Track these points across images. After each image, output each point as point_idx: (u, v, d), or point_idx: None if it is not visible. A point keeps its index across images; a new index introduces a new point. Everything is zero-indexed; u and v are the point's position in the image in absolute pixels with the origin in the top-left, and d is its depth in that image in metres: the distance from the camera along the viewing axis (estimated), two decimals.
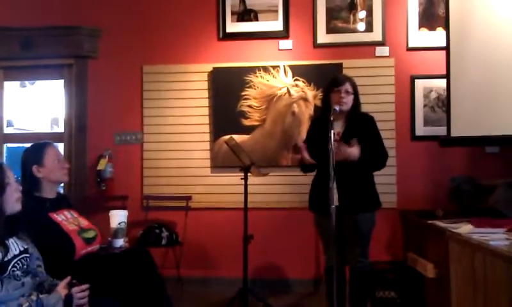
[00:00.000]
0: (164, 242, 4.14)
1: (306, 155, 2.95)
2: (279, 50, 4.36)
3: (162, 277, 2.62)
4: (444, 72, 3.84)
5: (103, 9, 4.51)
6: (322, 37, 4.33)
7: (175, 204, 4.31)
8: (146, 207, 4.35)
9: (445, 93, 3.90)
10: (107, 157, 4.36)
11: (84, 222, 2.64)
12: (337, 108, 2.97)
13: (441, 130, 4.03)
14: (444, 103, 4.10)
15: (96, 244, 2.61)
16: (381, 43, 4.28)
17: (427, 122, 4.26)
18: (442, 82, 3.97)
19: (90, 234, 2.58)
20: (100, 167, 4.33)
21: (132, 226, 4.03)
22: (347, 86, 3.04)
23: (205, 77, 4.41)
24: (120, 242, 2.64)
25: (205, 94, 4.41)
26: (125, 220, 2.70)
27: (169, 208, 4.31)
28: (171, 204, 4.32)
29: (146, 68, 4.46)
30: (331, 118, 2.82)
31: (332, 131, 2.76)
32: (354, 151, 2.90)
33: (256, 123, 4.31)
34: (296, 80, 4.28)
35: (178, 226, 4.32)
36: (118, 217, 2.70)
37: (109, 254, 2.59)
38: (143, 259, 2.60)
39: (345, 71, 4.14)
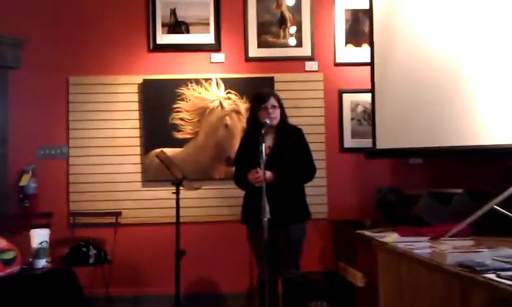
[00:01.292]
0: (91, 260, 3.94)
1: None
2: (211, 62, 4.34)
3: (88, 298, 2.49)
4: (369, 87, 3.92)
5: (26, 18, 4.29)
6: (254, 51, 4.35)
7: (104, 220, 4.17)
8: (72, 224, 4.19)
9: (371, 107, 3.98)
10: (30, 172, 4.16)
11: (2, 242, 2.53)
12: (268, 121, 3.01)
13: (367, 142, 4.11)
14: (370, 116, 4.18)
15: (16, 265, 2.54)
16: (310, 58, 4.35)
17: (354, 134, 4.35)
18: (368, 96, 4.04)
19: (9, 255, 2.50)
20: (22, 183, 4.12)
21: (57, 244, 3.91)
22: (273, 101, 3.08)
23: (135, 88, 4.31)
24: (42, 263, 2.61)
25: (136, 106, 4.31)
26: (47, 240, 2.64)
27: (98, 224, 4.16)
28: (99, 221, 4.17)
29: (72, 80, 4.30)
30: (263, 131, 2.85)
31: (263, 145, 2.79)
32: (268, 175, 2.90)
33: (189, 136, 4.26)
34: (228, 93, 4.27)
35: (107, 243, 4.17)
36: (39, 237, 2.62)
37: (30, 276, 2.52)
38: (67, 279, 2.49)
39: (277, 85, 4.22)
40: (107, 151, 4.27)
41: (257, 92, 3.21)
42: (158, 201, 4.23)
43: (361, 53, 4.32)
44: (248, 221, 3.12)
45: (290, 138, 3.13)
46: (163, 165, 3.65)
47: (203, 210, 4.26)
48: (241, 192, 3.25)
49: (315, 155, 3.27)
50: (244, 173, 3.07)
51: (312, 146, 3.27)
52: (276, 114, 3.08)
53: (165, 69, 4.33)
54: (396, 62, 3.72)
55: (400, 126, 3.68)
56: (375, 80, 3.87)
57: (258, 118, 3.10)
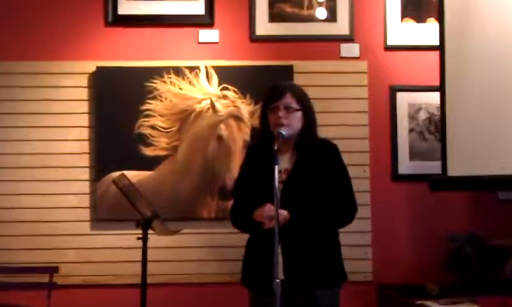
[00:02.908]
0: None
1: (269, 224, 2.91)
2: (199, 43, 4.35)
3: None
4: (437, 82, 3.91)
5: None
6: (263, 27, 4.35)
7: (32, 279, 4.10)
8: None
9: (439, 113, 3.96)
10: None
11: None
12: (283, 131, 3.00)
13: (434, 167, 4.08)
14: (438, 127, 4.14)
15: None
16: (349, 39, 4.34)
17: (414, 154, 4.33)
18: (435, 97, 4.02)
19: None
20: None
21: None
22: (288, 99, 3.07)
23: (83, 81, 4.32)
24: None
25: (84, 107, 4.32)
26: None
27: (24, 285, 4.10)
28: (26, 280, 4.11)
29: None
30: (275, 147, 2.84)
31: (277, 168, 2.77)
32: (284, 214, 2.93)
33: (163, 153, 4.26)
34: (224, 88, 4.27)
35: None
36: None
37: None
38: None
39: (297, 78, 4.16)
40: (39, 175, 4.26)
41: (271, 86, 3.20)
42: (114, 252, 4.22)
43: (426, 32, 4.33)
44: (253, 283, 3.11)
45: (319, 158, 3.11)
46: (124, 196, 3.61)
47: (184, 266, 4.24)
48: (242, 240, 3.23)
49: (355, 185, 3.22)
50: (248, 210, 3.06)
51: (350, 172, 3.21)
52: (291, 119, 3.06)
53: (130, 52, 4.33)
54: (480, 45, 3.72)
55: (485, 142, 3.69)
56: (446, 73, 3.87)
57: (269, 126, 3.11)
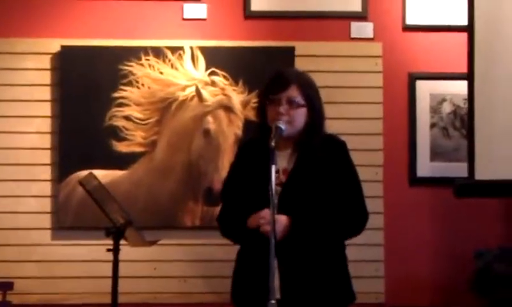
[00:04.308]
0: None
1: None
2: (183, 19, 4.36)
3: None
4: (465, 69, 3.91)
5: None
6: (260, 1, 4.37)
7: None
8: None
9: (467, 105, 3.95)
10: None
11: None
12: (282, 126, 2.95)
13: (459, 169, 4.09)
14: (465, 122, 4.12)
15: None
16: (361, 16, 4.36)
17: (436, 154, 4.34)
18: (462, 86, 4.05)
19: None
20: None
21: None
22: (293, 92, 3.03)
23: (45, 62, 4.32)
24: None
25: (46, 94, 4.32)
26: None
27: None
28: None
29: None
30: (272, 144, 2.82)
31: (274, 167, 2.75)
32: (282, 221, 2.91)
33: (139, 150, 4.26)
34: (212, 73, 4.26)
35: None
36: None
37: None
38: None
39: (299, 62, 4.20)
40: None
41: (274, 73, 3.14)
42: (80, 265, 4.20)
43: (451, 9, 4.34)
44: (244, 303, 3.06)
45: (324, 157, 3.05)
46: (92, 200, 3.57)
47: (162, 283, 4.24)
48: (232, 253, 3.15)
49: (366, 189, 3.13)
50: (239, 217, 3.02)
51: (360, 173, 3.13)
52: (295, 116, 3.02)
53: (100, 29, 4.34)
54: None
55: None
56: (475, 59, 3.87)
57: (267, 119, 3.06)
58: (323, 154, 3.05)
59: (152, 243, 3.73)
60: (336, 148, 3.10)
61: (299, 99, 3.01)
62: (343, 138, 3.15)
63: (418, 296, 4.18)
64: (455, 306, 3.99)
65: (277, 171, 2.86)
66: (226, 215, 3.17)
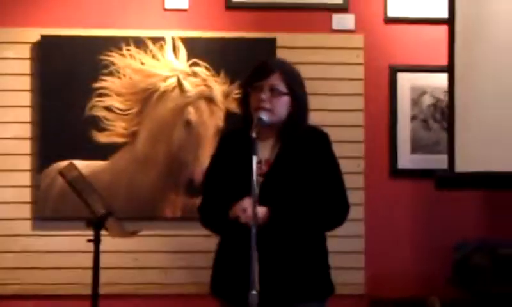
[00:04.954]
0: None
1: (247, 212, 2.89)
2: (165, 10, 4.36)
3: None
4: (445, 62, 3.92)
5: None
6: None
7: None
8: None
9: (447, 98, 3.97)
10: None
11: None
12: (264, 117, 2.97)
13: (440, 161, 4.10)
14: (445, 114, 4.15)
15: None
16: (342, 8, 4.35)
17: (417, 146, 4.36)
18: (442, 79, 4.07)
19: None
20: None
21: None
22: (275, 80, 3.05)
23: (25, 52, 4.32)
24: None
25: (25, 84, 4.32)
26: None
27: None
28: None
29: None
30: (253, 134, 2.83)
31: (255, 158, 2.77)
32: (262, 212, 2.92)
33: (120, 140, 4.27)
34: (193, 64, 4.26)
35: None
36: None
37: None
38: None
39: (280, 53, 4.18)
40: None
41: (258, 62, 3.16)
42: (60, 256, 4.21)
43: (432, 2, 4.35)
44: (224, 293, 3.09)
45: (306, 148, 3.08)
46: (73, 190, 3.54)
47: (143, 274, 4.25)
48: (212, 244, 3.18)
49: (347, 181, 3.17)
50: (220, 207, 3.03)
51: (341, 165, 3.16)
52: (276, 104, 3.03)
53: (81, 18, 4.32)
54: (496, 17, 3.75)
55: (501, 133, 3.74)
56: (456, 51, 3.87)
57: (249, 109, 3.08)
58: (305, 145, 3.08)
59: (133, 233, 3.74)
60: (319, 139, 3.12)
61: (282, 87, 3.02)
62: (324, 130, 3.18)
63: (398, 287, 4.19)
64: (434, 296, 3.95)
65: (259, 162, 2.89)
66: (206, 205, 3.18)
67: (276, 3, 4.33)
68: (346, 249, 4.08)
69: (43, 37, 4.23)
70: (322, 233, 3.11)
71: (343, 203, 3.09)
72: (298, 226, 3.01)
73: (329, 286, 3.09)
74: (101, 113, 4.21)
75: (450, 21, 3.89)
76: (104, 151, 4.21)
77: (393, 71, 4.33)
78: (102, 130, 4.21)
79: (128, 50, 4.22)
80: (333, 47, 4.31)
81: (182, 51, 4.24)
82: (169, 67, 4.24)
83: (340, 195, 3.09)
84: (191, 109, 4.20)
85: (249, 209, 2.79)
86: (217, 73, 4.22)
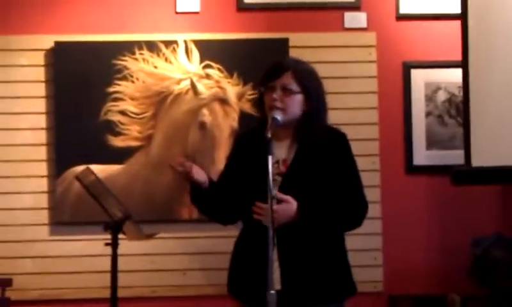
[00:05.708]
0: None
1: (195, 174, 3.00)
2: (177, 13, 4.36)
3: None
4: (459, 57, 3.92)
5: None
6: None
7: None
8: None
9: (462, 93, 3.97)
10: None
11: None
12: (278, 116, 2.96)
13: (455, 156, 4.10)
14: (460, 110, 4.14)
15: None
16: (354, 6, 4.36)
17: (432, 142, 4.36)
18: (457, 74, 4.05)
19: None
20: None
21: None
22: (287, 79, 3.04)
23: (39, 58, 4.31)
24: None
25: (40, 90, 4.31)
26: None
27: None
28: None
29: None
30: (268, 134, 2.82)
31: (270, 158, 2.75)
32: (287, 208, 2.88)
33: (135, 144, 4.27)
34: (206, 66, 4.26)
35: None
36: None
37: None
38: None
39: (293, 53, 4.16)
40: None
41: (271, 62, 3.15)
42: (78, 260, 4.21)
43: None
44: (242, 294, 3.07)
45: (324, 149, 3.06)
46: (89, 195, 3.52)
47: (161, 276, 4.25)
48: (230, 245, 3.16)
49: (362, 179, 3.16)
50: (235, 206, 3.08)
51: (357, 163, 3.16)
52: (289, 103, 3.02)
53: (94, 24, 4.32)
54: (511, 7, 3.78)
55: None
56: (469, 46, 3.86)
57: (265, 109, 3.07)
58: (324, 146, 3.06)
59: (150, 236, 3.72)
60: (337, 140, 3.11)
61: (294, 86, 3.01)
62: (343, 131, 3.17)
63: (417, 284, 4.20)
64: (453, 293, 3.94)
65: (276, 162, 2.90)
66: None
67: (287, 3, 4.33)
68: (364, 246, 4.08)
69: (57, 43, 4.24)
70: (341, 233, 3.11)
71: (362, 202, 3.09)
72: (324, 225, 3.00)
73: (351, 286, 3.10)
74: (116, 117, 4.21)
75: (463, 15, 3.88)
76: (119, 155, 4.22)
77: (407, 67, 4.34)
78: (117, 134, 4.21)
79: (141, 54, 4.23)
80: (346, 46, 4.32)
81: (195, 53, 4.24)
82: (182, 70, 4.24)
83: (358, 195, 3.09)
84: (205, 111, 4.20)
85: (267, 209, 2.75)
86: (231, 74, 4.22)
